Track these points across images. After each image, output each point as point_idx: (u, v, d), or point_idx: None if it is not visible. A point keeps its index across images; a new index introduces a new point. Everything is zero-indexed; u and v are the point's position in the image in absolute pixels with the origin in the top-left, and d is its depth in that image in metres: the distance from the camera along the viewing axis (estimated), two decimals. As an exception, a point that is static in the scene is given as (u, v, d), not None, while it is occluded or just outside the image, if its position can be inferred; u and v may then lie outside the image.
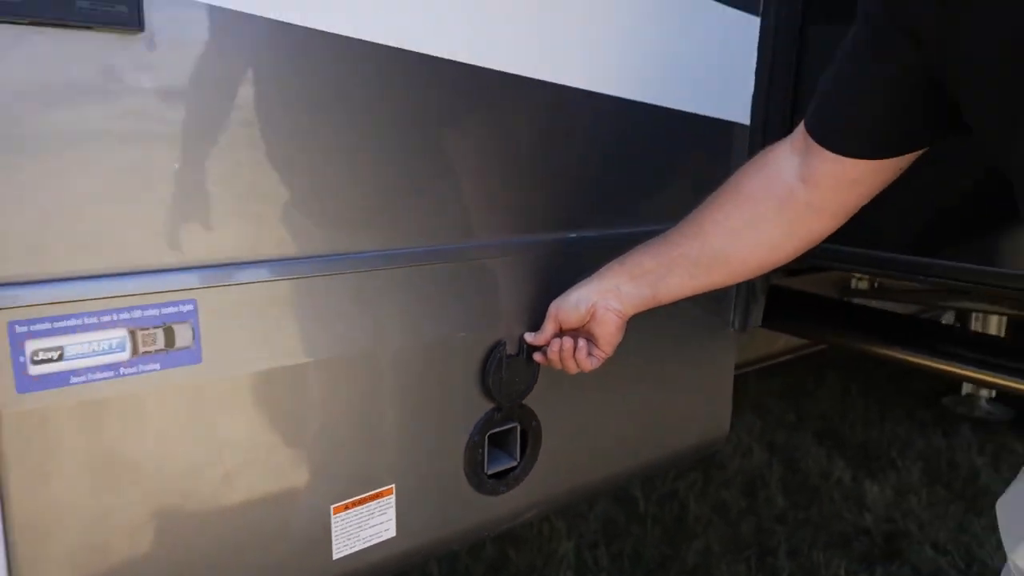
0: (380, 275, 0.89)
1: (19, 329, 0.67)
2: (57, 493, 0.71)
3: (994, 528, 0.91)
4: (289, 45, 0.78)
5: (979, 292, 1.50)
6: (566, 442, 1.13)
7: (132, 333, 0.73)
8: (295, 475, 0.87)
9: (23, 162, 0.66)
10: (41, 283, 0.68)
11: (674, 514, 2.20)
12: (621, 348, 0.98)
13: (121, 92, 0.69)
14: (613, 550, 2.03)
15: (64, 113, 0.67)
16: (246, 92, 0.77)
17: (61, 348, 0.69)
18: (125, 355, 0.73)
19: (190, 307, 0.76)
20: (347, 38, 0.81)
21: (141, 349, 0.73)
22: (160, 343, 0.75)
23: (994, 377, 1.39)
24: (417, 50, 0.86)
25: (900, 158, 0.75)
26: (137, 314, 0.73)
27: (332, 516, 0.90)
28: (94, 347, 0.71)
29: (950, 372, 1.46)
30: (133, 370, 0.73)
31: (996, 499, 0.83)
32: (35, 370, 0.68)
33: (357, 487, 0.92)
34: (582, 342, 0.97)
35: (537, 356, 1.02)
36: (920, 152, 0.75)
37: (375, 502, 0.94)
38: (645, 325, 0.99)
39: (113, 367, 0.72)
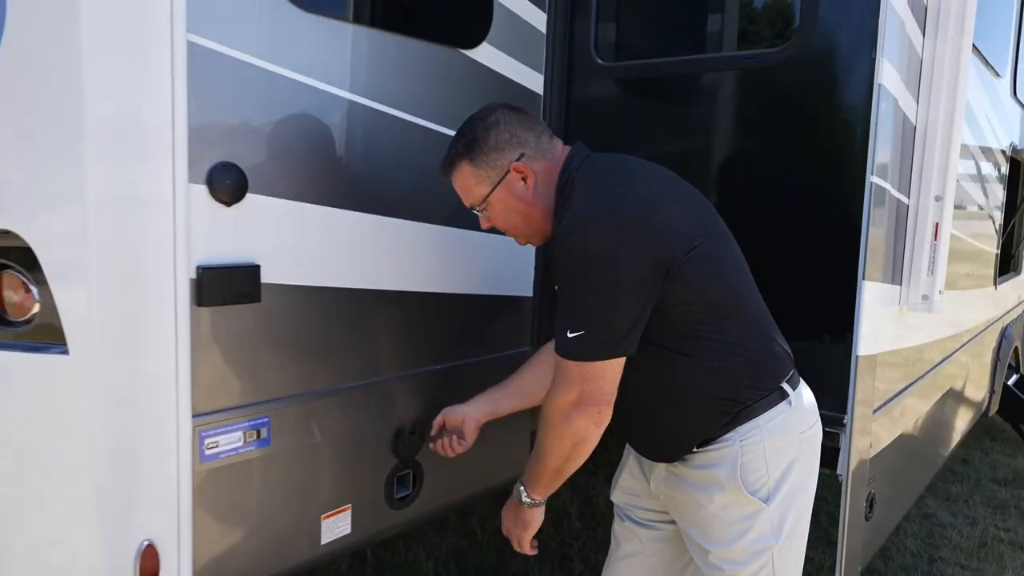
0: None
1: (203, 434, 1.54)
2: (222, 512, 1.57)
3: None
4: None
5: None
6: (437, 480, 2.08)
7: (243, 433, 1.61)
8: (312, 503, 1.75)
9: (208, 362, 1.55)
10: (209, 414, 1.55)
11: (503, 539, 3.17)
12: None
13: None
14: (460, 567, 2.98)
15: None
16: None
17: (217, 442, 1.57)
18: (240, 443, 1.61)
19: (266, 420, 1.65)
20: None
21: (247, 440, 1.62)
22: (253, 437, 1.63)
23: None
24: (363, 290, 1.83)
25: None
26: (244, 424, 1.61)
27: (323, 520, 1.79)
28: (229, 441, 1.59)
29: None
30: (244, 449, 1.61)
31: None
32: (207, 452, 1.55)
33: (335, 504, 1.82)
34: (455, 437, 1.89)
35: (429, 444, 1.95)
36: None
37: (342, 514, 1.84)
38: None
39: (235, 449, 1.60)
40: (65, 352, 1.40)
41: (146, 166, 1.39)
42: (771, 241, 1.90)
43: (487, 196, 1.65)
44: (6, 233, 1.44)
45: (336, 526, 1.84)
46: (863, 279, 1.82)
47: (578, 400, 1.49)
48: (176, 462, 1.49)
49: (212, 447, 1.56)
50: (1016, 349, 4.27)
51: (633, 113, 2.24)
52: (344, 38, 1.73)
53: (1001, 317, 3.85)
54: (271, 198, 1.58)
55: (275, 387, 1.66)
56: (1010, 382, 4.63)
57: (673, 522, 1.78)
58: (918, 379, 2.36)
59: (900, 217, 1.98)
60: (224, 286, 1.52)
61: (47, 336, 1.46)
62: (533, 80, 2.18)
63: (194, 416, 1.50)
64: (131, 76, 1.35)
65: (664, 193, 1.57)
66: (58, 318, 1.41)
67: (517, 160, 1.62)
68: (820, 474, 1.70)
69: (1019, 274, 4.24)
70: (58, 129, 1.34)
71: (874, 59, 1.77)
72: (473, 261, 2.06)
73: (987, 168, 3.05)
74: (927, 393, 2.57)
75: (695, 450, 1.62)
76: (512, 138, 1.62)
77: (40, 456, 1.47)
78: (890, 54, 1.77)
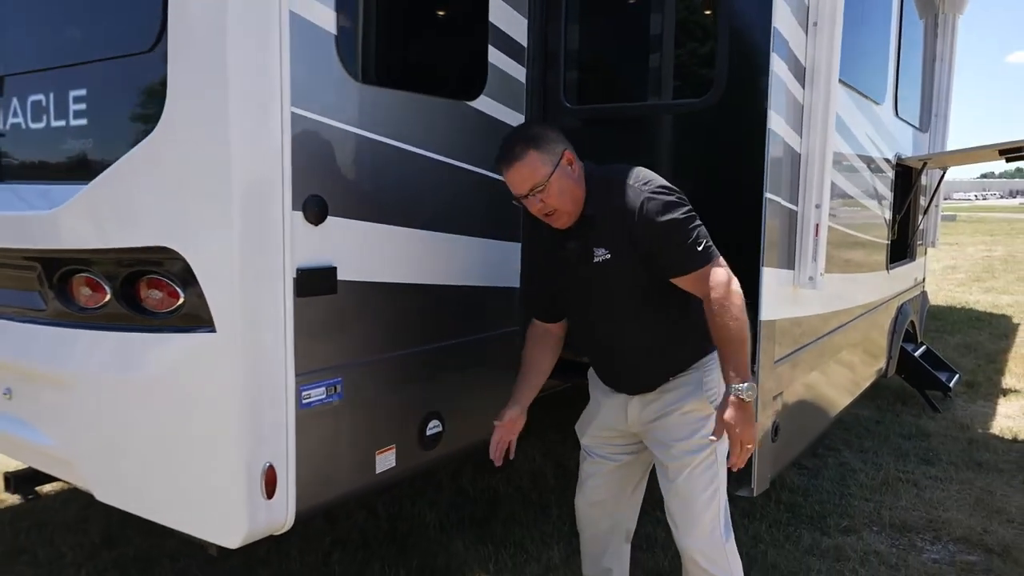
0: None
1: (301, 388, 2.15)
2: (314, 445, 2.18)
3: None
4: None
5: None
6: (456, 429, 2.71)
7: (325, 388, 2.23)
8: (370, 441, 2.38)
9: (302, 337, 2.18)
10: (305, 373, 2.17)
11: (490, 493, 3.83)
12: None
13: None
14: (458, 514, 3.61)
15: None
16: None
17: (310, 394, 2.18)
18: (324, 395, 2.23)
19: (339, 379, 2.27)
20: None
21: (328, 393, 2.24)
22: (333, 391, 2.25)
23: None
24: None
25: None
26: (326, 382, 2.23)
27: (377, 456, 2.42)
28: (318, 394, 2.20)
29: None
30: (328, 399, 2.23)
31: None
32: (303, 401, 2.16)
33: (385, 444, 2.44)
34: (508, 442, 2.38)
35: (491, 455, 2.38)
36: None
37: (390, 452, 2.47)
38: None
39: (321, 400, 2.22)
40: (212, 331, 2.02)
41: (267, 200, 2.01)
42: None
43: (549, 176, 2.08)
44: (163, 249, 2.05)
45: (386, 461, 2.47)
46: (763, 266, 2.53)
47: (730, 278, 2.06)
48: (284, 408, 2.11)
49: (307, 398, 2.18)
50: (912, 322, 5.09)
51: (594, 144, 2.91)
52: (387, 99, 2.37)
53: (897, 295, 4.64)
54: (344, 219, 2.21)
55: (346, 354, 2.29)
56: (917, 353, 5.48)
57: (630, 450, 2.43)
58: (813, 341, 3.10)
59: (791, 220, 2.70)
60: (314, 282, 2.15)
61: (191, 321, 2.08)
62: (517, 120, 2.84)
63: (296, 375, 2.12)
64: (258, 139, 1.98)
65: None
66: (205, 308, 2.02)
67: (567, 149, 2.14)
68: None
69: (914, 260, 5.07)
70: (212, 180, 1.95)
71: (766, 109, 2.48)
72: (481, 260, 2.72)
73: (875, 176, 3.82)
74: (823, 352, 3.31)
75: (670, 378, 2.25)
76: (559, 135, 2.17)
77: (195, 405, 2.08)
78: (777, 106, 2.48)
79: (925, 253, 5.52)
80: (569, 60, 2.92)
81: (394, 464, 2.49)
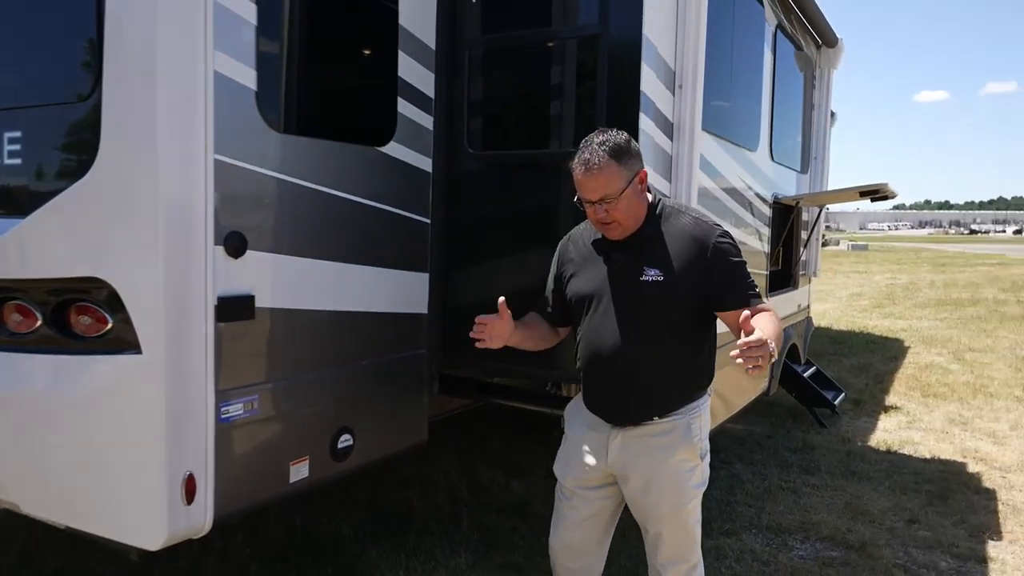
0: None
1: (220, 404, 2.39)
2: (232, 456, 2.42)
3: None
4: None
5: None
6: (366, 442, 2.98)
7: (243, 404, 2.48)
8: (284, 453, 2.62)
9: (222, 358, 2.43)
10: (224, 391, 2.41)
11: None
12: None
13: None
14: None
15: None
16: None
17: (228, 410, 2.42)
18: (242, 411, 2.47)
19: (255, 396, 2.52)
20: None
21: (245, 409, 2.48)
22: (249, 407, 2.50)
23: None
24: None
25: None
26: (243, 399, 2.48)
27: (291, 466, 2.66)
28: (236, 409, 2.45)
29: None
30: (244, 415, 2.47)
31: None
32: (222, 416, 2.40)
33: (298, 455, 2.69)
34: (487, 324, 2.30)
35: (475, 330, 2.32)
36: None
37: (303, 462, 2.71)
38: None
39: (239, 415, 2.46)
40: (139, 353, 2.25)
41: (190, 236, 2.27)
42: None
43: (622, 191, 2.14)
44: (94, 280, 2.28)
45: (299, 471, 2.71)
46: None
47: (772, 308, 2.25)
48: (205, 421, 2.35)
49: (226, 413, 2.42)
50: (795, 345, 5.59)
51: (494, 186, 3.27)
52: (304, 146, 2.65)
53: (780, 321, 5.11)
54: (262, 252, 2.48)
55: (263, 374, 2.54)
56: (806, 374, 5.99)
57: (606, 494, 2.42)
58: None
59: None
60: (234, 309, 2.40)
61: (119, 344, 2.30)
62: (424, 163, 3.16)
63: (216, 392, 2.37)
64: (183, 182, 2.24)
65: None
66: (132, 332, 2.25)
67: (642, 168, 2.23)
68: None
69: (797, 288, 5.58)
70: (141, 217, 2.20)
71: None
72: (390, 289, 3.01)
73: (749, 214, 4.29)
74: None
75: (655, 419, 2.29)
76: (639, 152, 2.24)
77: (122, 420, 2.30)
78: (645, 154, 2.88)
79: (809, 282, 6.05)
80: (472, 110, 3.27)
81: (307, 474, 2.74)
